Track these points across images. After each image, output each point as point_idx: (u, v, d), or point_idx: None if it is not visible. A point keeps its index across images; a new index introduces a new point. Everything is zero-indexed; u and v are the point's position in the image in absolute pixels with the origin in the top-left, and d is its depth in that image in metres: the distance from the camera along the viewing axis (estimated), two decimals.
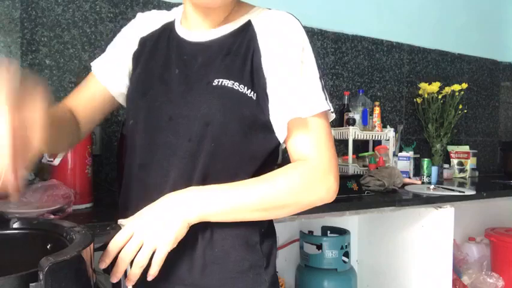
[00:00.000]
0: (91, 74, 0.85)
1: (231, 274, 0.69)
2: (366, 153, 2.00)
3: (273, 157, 0.75)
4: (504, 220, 2.41)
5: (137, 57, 0.81)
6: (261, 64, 0.71)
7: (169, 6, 0.90)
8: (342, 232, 1.75)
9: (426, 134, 2.40)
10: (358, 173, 1.84)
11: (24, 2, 1.39)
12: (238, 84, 0.69)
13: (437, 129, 2.34)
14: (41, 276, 0.42)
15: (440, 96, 2.29)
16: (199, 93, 0.70)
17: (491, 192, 1.78)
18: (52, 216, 0.92)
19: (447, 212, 1.50)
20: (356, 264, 1.91)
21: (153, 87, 0.74)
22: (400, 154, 2.03)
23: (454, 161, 2.39)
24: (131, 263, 0.60)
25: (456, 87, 2.29)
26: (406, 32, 2.36)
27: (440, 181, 2.10)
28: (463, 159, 2.38)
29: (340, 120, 2.03)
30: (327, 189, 0.68)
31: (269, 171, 0.70)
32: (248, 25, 0.75)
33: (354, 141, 1.90)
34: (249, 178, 0.70)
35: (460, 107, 2.33)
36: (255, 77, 0.71)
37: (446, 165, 2.31)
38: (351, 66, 2.18)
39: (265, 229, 0.75)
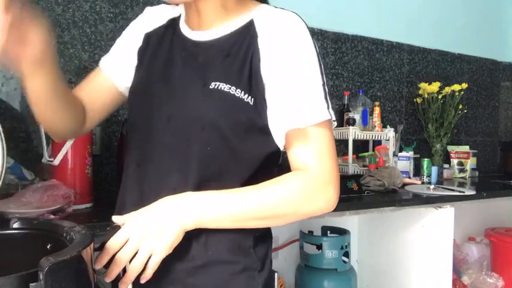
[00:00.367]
0: (98, 68, 0.84)
1: (224, 276, 0.69)
2: (366, 153, 2.00)
3: (272, 160, 0.74)
4: (504, 220, 2.41)
5: (141, 53, 0.80)
6: (260, 68, 0.69)
7: None
8: (342, 232, 1.75)
9: (426, 134, 2.40)
10: (358, 173, 1.84)
11: None
12: (235, 88, 0.68)
13: (437, 129, 2.34)
14: (41, 276, 0.42)
15: (440, 96, 2.29)
16: (196, 95, 0.69)
17: (491, 192, 1.78)
18: (52, 216, 0.92)
19: (447, 212, 1.50)
20: (356, 264, 1.91)
21: (154, 86, 0.74)
22: (400, 154, 2.03)
23: (454, 161, 2.38)
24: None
25: (456, 87, 2.29)
26: (406, 32, 2.36)
27: (440, 181, 2.10)
28: (463, 159, 2.38)
29: (340, 120, 2.03)
30: (326, 200, 0.68)
31: (268, 174, 0.70)
32: (250, 25, 0.72)
33: (354, 141, 1.90)
34: (246, 181, 0.69)
35: (460, 107, 2.33)
36: (253, 81, 0.69)
37: (446, 165, 2.31)
38: (351, 66, 2.18)
39: (259, 233, 0.74)
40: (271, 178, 0.69)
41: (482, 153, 2.71)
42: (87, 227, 0.57)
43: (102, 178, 1.51)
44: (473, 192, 1.62)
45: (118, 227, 0.62)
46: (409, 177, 1.96)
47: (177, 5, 0.82)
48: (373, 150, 2.00)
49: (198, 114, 0.68)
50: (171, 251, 0.62)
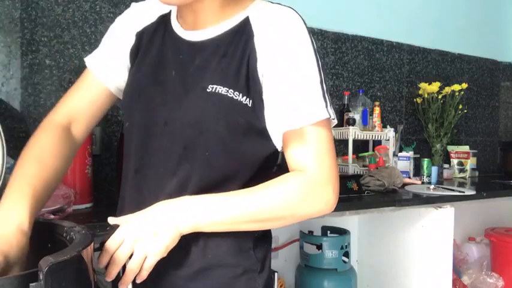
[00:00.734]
0: (88, 71, 0.81)
1: (224, 280, 0.69)
2: (366, 153, 2.00)
3: (271, 160, 0.73)
4: (504, 220, 2.41)
5: (134, 53, 0.78)
6: (257, 68, 0.67)
7: None
8: (342, 232, 1.75)
9: (426, 134, 2.40)
10: (358, 173, 1.84)
11: (24, 2, 1.39)
12: (233, 91, 0.66)
13: (437, 129, 2.34)
14: (41, 276, 0.42)
15: (440, 96, 2.29)
16: (194, 99, 0.67)
17: (491, 192, 1.78)
18: (52, 216, 0.92)
19: (447, 212, 1.50)
20: (356, 264, 1.91)
21: (148, 88, 0.72)
22: (400, 154, 2.02)
23: (454, 161, 2.38)
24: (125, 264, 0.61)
25: (456, 87, 2.29)
26: (406, 32, 2.36)
27: (440, 181, 2.10)
28: (463, 159, 2.38)
29: (340, 120, 2.03)
30: (325, 202, 0.66)
31: (268, 174, 0.69)
32: (246, 23, 0.70)
33: (354, 141, 1.90)
34: (246, 183, 0.69)
35: (460, 107, 2.33)
36: (250, 83, 0.67)
37: (446, 165, 2.31)
38: (351, 66, 2.18)
39: (259, 234, 0.73)
40: (271, 178, 0.68)
41: (482, 153, 2.71)
42: (87, 227, 0.57)
43: (102, 178, 1.51)
44: (473, 192, 1.62)
45: (117, 227, 0.62)
46: (409, 177, 1.96)
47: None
48: (373, 150, 2.00)
49: (196, 118, 0.66)
50: (166, 254, 0.62)
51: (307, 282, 1.69)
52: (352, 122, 1.89)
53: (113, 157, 1.52)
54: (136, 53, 0.77)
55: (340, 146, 2.06)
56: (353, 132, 1.87)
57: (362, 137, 1.91)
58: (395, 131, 2.12)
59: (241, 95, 0.66)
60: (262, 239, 0.74)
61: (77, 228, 0.56)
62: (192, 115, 0.67)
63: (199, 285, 0.68)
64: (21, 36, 1.39)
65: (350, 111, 2.00)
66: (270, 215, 0.65)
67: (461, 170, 2.37)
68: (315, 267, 1.67)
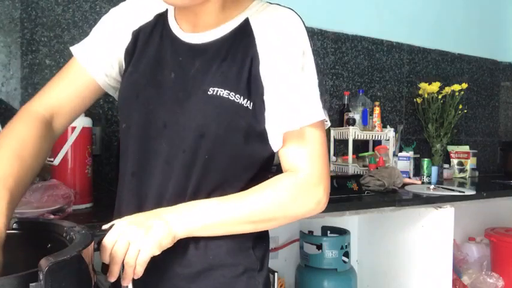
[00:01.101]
0: (75, 61, 0.77)
1: (225, 279, 0.69)
2: (366, 153, 2.00)
3: (268, 162, 0.74)
4: (504, 220, 2.41)
5: (130, 52, 0.75)
6: (259, 71, 0.68)
7: None
8: (342, 232, 1.75)
9: (426, 134, 2.40)
10: (358, 173, 1.84)
11: (24, 2, 1.39)
12: (234, 94, 0.66)
13: (437, 129, 2.34)
14: (41, 276, 0.42)
15: (440, 96, 2.29)
16: (194, 102, 0.67)
17: (491, 192, 1.79)
18: (52, 216, 0.92)
19: (447, 212, 1.50)
20: (356, 264, 1.91)
21: (146, 89, 0.71)
22: (400, 154, 2.03)
23: (454, 161, 2.39)
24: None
25: (456, 87, 2.29)
26: (406, 32, 2.36)
27: (440, 181, 2.10)
28: (463, 159, 2.38)
29: (340, 120, 2.03)
30: (316, 202, 0.68)
31: (266, 175, 0.70)
32: (246, 24, 0.70)
33: (354, 141, 1.90)
34: (245, 185, 0.69)
35: (460, 107, 2.33)
36: (252, 85, 0.68)
37: (446, 165, 2.31)
38: (351, 66, 2.18)
39: (257, 234, 0.73)
40: (270, 178, 0.69)
41: (482, 153, 2.71)
42: (87, 227, 0.57)
43: (102, 178, 1.51)
44: (473, 192, 1.62)
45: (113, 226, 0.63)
46: (409, 177, 1.96)
47: None
48: (373, 150, 2.00)
49: (197, 121, 0.66)
50: (159, 252, 0.62)
51: (307, 282, 1.69)
52: (352, 122, 1.89)
53: (113, 157, 1.52)
54: (132, 53, 0.75)
55: (340, 146, 2.07)
56: (353, 132, 1.87)
57: (362, 137, 1.91)
58: (395, 131, 2.12)
59: (242, 97, 0.67)
60: (260, 238, 0.75)
61: (76, 228, 0.56)
62: (193, 118, 0.66)
63: (201, 285, 0.68)
64: (21, 36, 1.39)
65: (350, 111, 2.00)
66: (262, 217, 0.67)
67: (461, 170, 2.37)
68: (315, 267, 1.67)
